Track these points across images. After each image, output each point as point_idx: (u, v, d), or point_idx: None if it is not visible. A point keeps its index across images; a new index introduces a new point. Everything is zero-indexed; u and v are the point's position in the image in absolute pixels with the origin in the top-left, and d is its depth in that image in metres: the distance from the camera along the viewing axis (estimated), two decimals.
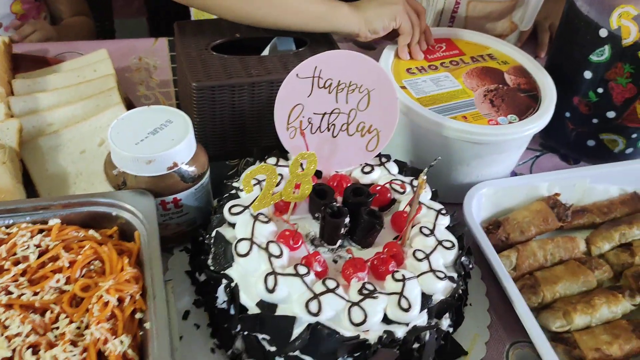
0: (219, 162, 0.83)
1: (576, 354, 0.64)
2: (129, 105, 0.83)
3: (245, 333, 0.59)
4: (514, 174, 0.88)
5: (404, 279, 0.58)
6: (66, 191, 0.71)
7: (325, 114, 0.66)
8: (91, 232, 0.61)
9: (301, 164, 0.61)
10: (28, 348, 0.50)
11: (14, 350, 0.50)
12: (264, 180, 0.66)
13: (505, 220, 0.76)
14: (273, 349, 0.58)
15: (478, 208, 0.76)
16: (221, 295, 0.61)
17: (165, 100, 0.93)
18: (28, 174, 0.72)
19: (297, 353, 0.57)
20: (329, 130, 0.67)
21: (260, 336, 0.58)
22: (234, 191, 0.67)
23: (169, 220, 0.68)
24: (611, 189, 0.82)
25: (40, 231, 0.60)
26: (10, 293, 0.54)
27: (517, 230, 0.75)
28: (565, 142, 0.91)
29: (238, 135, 0.80)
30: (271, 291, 0.56)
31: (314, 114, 0.66)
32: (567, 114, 0.88)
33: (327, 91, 0.65)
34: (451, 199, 0.78)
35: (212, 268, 0.61)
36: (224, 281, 0.60)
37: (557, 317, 0.67)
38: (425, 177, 0.58)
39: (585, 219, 0.79)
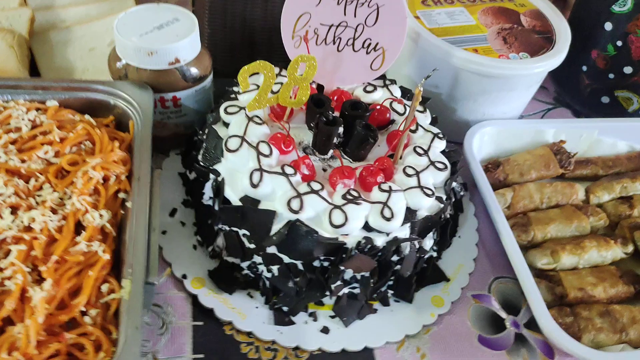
0: (227, 78, 0.83)
1: (559, 291, 0.63)
2: None
3: (227, 229, 0.59)
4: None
5: (390, 190, 0.58)
6: None
7: (332, 25, 0.65)
8: (87, 117, 0.62)
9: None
10: (8, 207, 0.51)
11: None
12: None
13: (506, 161, 0.75)
14: (252, 246, 0.58)
15: (479, 146, 0.75)
16: (207, 191, 0.61)
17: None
18: (35, 68, 0.73)
19: (274, 250, 0.57)
20: (334, 43, 0.66)
21: (240, 232, 0.58)
22: (232, 95, 0.67)
23: (167, 120, 0.68)
24: (619, 144, 0.80)
25: (37, 110, 0.61)
26: None
27: (516, 172, 0.74)
28: (579, 98, 0.89)
29: (248, 49, 0.80)
30: (255, 186, 0.56)
31: (321, 24, 0.65)
32: (584, 68, 0.86)
33: (336, 2, 0.64)
34: (454, 136, 0.77)
35: (201, 164, 0.62)
36: (212, 176, 0.60)
37: (544, 255, 0.66)
38: (421, 88, 0.57)
39: (588, 170, 0.77)
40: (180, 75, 0.65)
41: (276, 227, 0.56)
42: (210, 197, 0.61)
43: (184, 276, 0.61)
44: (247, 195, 0.57)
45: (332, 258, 0.57)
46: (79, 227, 0.53)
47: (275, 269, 0.58)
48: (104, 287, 0.49)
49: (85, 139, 0.59)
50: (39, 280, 0.48)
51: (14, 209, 0.51)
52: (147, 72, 0.64)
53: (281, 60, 0.67)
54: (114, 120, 0.64)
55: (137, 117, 0.62)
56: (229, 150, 0.58)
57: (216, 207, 0.60)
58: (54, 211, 0.53)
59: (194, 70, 0.66)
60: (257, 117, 0.62)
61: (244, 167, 0.58)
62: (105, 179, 0.56)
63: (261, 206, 0.56)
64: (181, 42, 0.63)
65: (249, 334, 0.58)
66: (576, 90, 0.88)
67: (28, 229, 0.50)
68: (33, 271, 0.48)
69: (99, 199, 0.54)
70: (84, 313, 0.47)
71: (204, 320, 0.59)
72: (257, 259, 0.59)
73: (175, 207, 0.67)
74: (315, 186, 0.57)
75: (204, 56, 0.67)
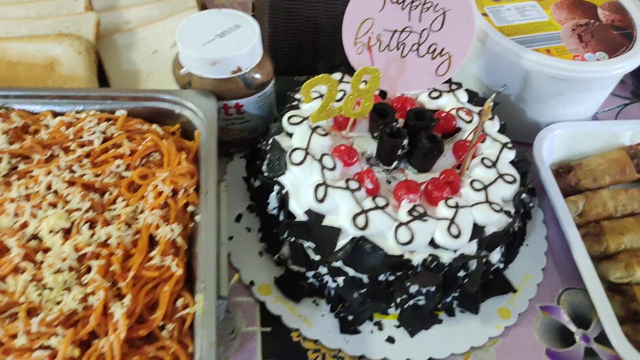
0: (288, 77, 0.82)
1: (634, 307, 0.61)
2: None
3: (292, 240, 0.60)
4: (595, 119, 0.82)
5: (457, 207, 0.56)
6: (137, 88, 0.73)
7: (395, 31, 0.63)
8: (154, 126, 0.63)
9: (364, 81, 0.59)
10: (85, 223, 0.53)
11: (72, 223, 0.53)
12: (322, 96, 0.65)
13: (578, 165, 0.72)
14: (317, 257, 0.59)
15: (550, 149, 0.72)
16: (272, 201, 0.62)
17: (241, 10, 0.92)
18: (102, 70, 0.75)
19: (339, 264, 0.57)
20: (398, 49, 0.65)
21: (305, 244, 0.59)
22: (295, 102, 0.66)
23: (231, 126, 0.69)
24: None
25: (107, 120, 0.62)
26: (73, 172, 0.57)
27: (589, 177, 0.71)
28: None
29: (310, 50, 0.79)
30: (320, 201, 0.56)
31: (384, 30, 0.63)
32: None
33: (400, 7, 0.62)
34: (522, 137, 0.75)
35: (265, 174, 0.62)
36: (276, 187, 0.60)
37: (617, 268, 0.63)
38: (491, 104, 0.55)
39: None
40: (243, 83, 0.65)
41: (341, 242, 0.56)
42: (275, 207, 0.62)
43: (252, 283, 0.62)
44: (311, 209, 0.57)
45: (397, 273, 0.56)
46: (151, 241, 0.54)
47: (340, 280, 0.59)
48: (179, 302, 0.51)
49: (153, 150, 0.60)
50: (118, 295, 0.50)
51: (92, 224, 0.53)
52: (211, 80, 0.64)
53: (345, 58, 0.66)
54: (179, 129, 0.65)
55: (202, 125, 0.62)
56: (293, 163, 0.58)
57: (281, 218, 0.61)
58: (128, 224, 0.54)
59: (256, 77, 0.66)
60: (320, 127, 0.61)
61: (308, 181, 0.58)
62: (174, 192, 0.57)
63: (326, 220, 0.56)
64: (243, 51, 0.63)
65: (316, 341, 0.59)
66: None
67: (104, 244, 0.52)
68: (112, 286, 0.50)
69: (169, 212, 0.56)
70: (161, 327, 0.49)
71: (272, 327, 0.60)
72: (323, 269, 0.59)
73: (240, 212, 0.68)
74: (380, 202, 0.56)
75: (266, 62, 0.67)
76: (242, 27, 0.65)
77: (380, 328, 0.61)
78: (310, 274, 0.61)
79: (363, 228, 0.55)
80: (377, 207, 0.56)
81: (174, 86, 0.68)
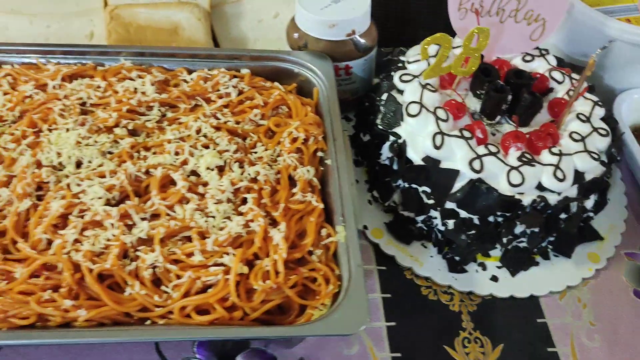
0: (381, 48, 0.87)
1: None
2: None
3: (406, 185, 0.66)
4: None
5: (560, 154, 0.62)
6: None
7: None
8: (275, 83, 0.69)
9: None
10: (235, 162, 0.59)
11: (224, 162, 0.59)
12: (432, 56, 0.71)
13: None
14: (431, 201, 0.65)
15: (628, 113, 0.78)
16: (385, 152, 0.68)
17: None
18: (214, 37, 0.81)
19: (453, 206, 0.63)
20: (497, 14, 0.70)
21: (420, 189, 0.65)
22: (399, 64, 0.72)
23: (338, 87, 0.75)
24: None
25: (234, 77, 0.68)
26: (217, 119, 0.63)
27: None
28: None
29: (410, 19, 0.85)
30: (438, 148, 0.62)
31: None
32: None
33: None
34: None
35: (380, 127, 0.68)
36: (391, 138, 0.66)
37: None
38: (596, 59, 0.61)
39: None
40: (354, 46, 0.71)
41: (458, 185, 0.62)
42: (388, 157, 0.68)
43: (365, 227, 0.68)
44: (428, 155, 0.63)
45: (507, 214, 0.63)
46: (289, 180, 0.61)
47: (450, 222, 0.65)
48: (323, 232, 0.57)
49: (281, 104, 0.66)
50: (270, 224, 0.56)
51: (240, 163, 0.59)
52: (325, 42, 0.70)
53: (442, 28, 0.72)
54: (295, 87, 0.71)
55: (321, 84, 0.69)
56: (410, 115, 0.65)
57: (394, 167, 0.67)
58: (269, 165, 0.60)
59: (364, 41, 0.72)
60: (429, 84, 0.67)
61: (424, 131, 0.64)
62: (305, 139, 0.63)
63: (442, 166, 0.63)
64: (358, 15, 0.69)
65: (427, 279, 0.65)
66: None
67: (253, 180, 0.58)
68: (265, 216, 0.56)
69: (302, 157, 0.62)
70: (310, 253, 0.55)
71: (386, 266, 0.66)
72: (433, 213, 0.65)
73: None
74: (493, 149, 0.62)
75: (372, 27, 0.73)
76: None
77: (484, 268, 0.67)
78: (420, 218, 0.67)
79: (478, 171, 0.61)
80: (490, 153, 0.62)
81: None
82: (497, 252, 0.67)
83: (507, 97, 0.66)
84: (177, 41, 0.74)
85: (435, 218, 0.66)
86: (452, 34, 0.67)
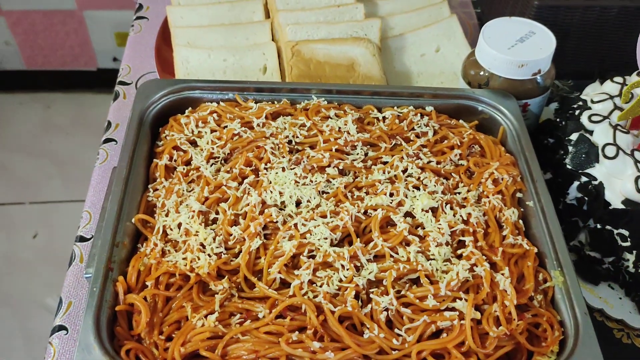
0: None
1: None
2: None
3: (598, 227, 0.66)
4: None
5: None
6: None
7: None
8: (461, 121, 0.70)
9: None
10: (447, 204, 0.60)
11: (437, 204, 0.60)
12: (616, 95, 0.71)
13: None
14: (626, 244, 0.64)
15: None
16: (573, 192, 0.68)
17: (468, 19, 0.99)
18: None
19: None
20: None
21: (616, 231, 0.65)
22: (580, 103, 0.73)
23: None
24: None
25: (420, 115, 0.70)
26: (420, 159, 0.64)
27: None
28: None
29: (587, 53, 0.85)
30: None
31: None
32: None
33: None
34: None
35: (569, 167, 0.68)
36: (583, 179, 0.66)
37: None
38: None
39: None
40: (536, 84, 0.72)
41: None
42: (576, 197, 0.68)
43: None
44: (629, 199, 0.63)
45: None
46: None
47: None
48: (539, 277, 0.57)
49: (472, 143, 0.67)
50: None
51: (450, 205, 0.60)
52: (509, 80, 0.71)
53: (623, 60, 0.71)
54: (475, 125, 0.71)
55: (508, 122, 0.69)
56: (607, 157, 0.65)
57: (584, 207, 0.67)
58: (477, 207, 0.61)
59: (545, 80, 0.72)
60: (620, 125, 0.67)
61: (623, 173, 0.64)
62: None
63: None
64: (545, 55, 0.69)
65: (619, 321, 0.65)
66: None
67: (464, 222, 0.59)
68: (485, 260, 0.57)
69: (504, 197, 0.62)
70: (530, 298, 0.56)
71: None
72: (626, 255, 0.65)
73: None
74: None
75: (552, 66, 0.74)
76: (537, 34, 0.72)
77: None
78: (608, 259, 0.67)
79: None
80: None
81: (448, 85, 0.76)
82: None
83: None
84: (354, 77, 0.75)
85: (627, 260, 0.66)
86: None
